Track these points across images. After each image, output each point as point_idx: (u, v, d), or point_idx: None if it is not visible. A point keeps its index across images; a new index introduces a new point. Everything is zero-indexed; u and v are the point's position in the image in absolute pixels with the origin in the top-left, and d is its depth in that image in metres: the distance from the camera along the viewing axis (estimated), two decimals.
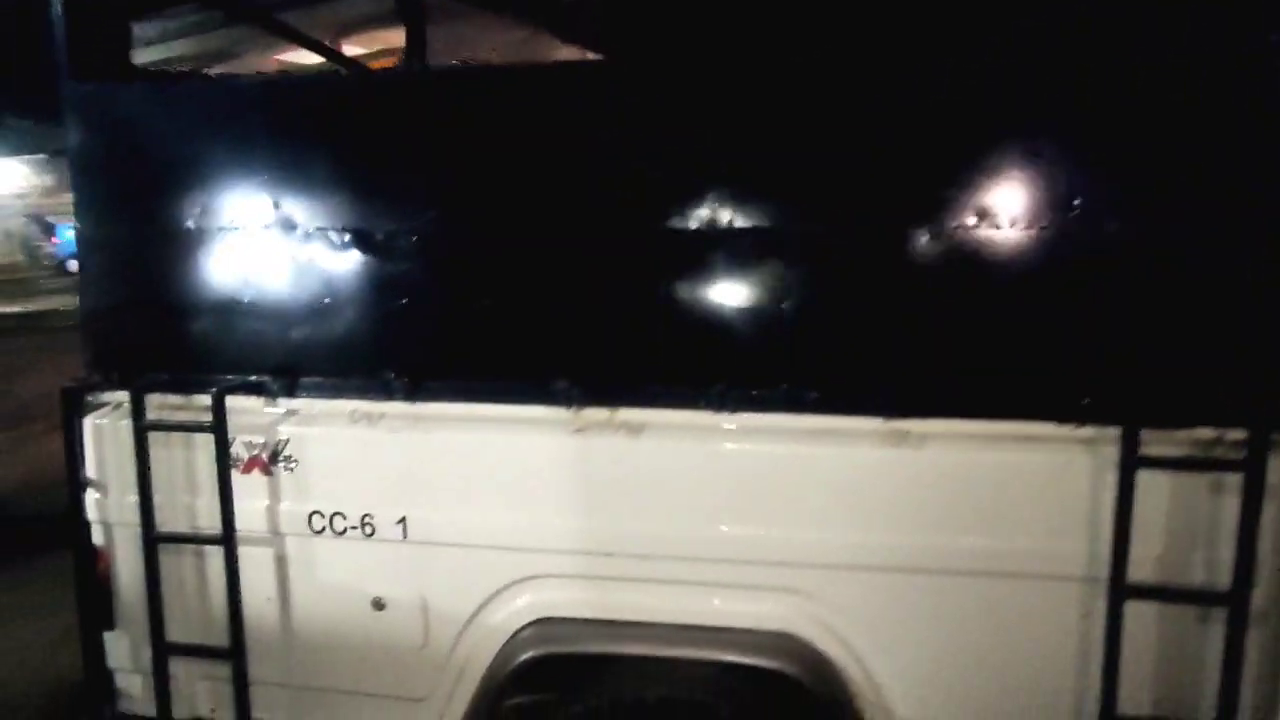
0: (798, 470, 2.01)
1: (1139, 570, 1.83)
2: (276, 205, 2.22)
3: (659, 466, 2.08)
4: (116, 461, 2.37)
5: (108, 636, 2.46)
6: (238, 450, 2.26)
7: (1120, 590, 1.83)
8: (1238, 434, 1.77)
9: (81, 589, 2.44)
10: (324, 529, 2.27)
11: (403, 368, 2.19)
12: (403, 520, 2.21)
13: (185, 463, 2.33)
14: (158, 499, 2.30)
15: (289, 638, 2.35)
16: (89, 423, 2.38)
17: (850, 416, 1.97)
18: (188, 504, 2.35)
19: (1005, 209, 1.85)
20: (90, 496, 2.41)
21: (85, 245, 2.36)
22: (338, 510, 2.25)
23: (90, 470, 2.40)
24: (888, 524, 1.98)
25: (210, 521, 2.31)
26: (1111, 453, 1.80)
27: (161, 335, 2.33)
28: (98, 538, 2.44)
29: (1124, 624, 1.84)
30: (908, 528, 1.97)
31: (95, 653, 2.46)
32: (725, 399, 2.02)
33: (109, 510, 2.40)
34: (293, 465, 2.27)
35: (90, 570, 2.44)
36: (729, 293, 2.03)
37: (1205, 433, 1.81)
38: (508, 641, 2.20)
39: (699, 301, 2.04)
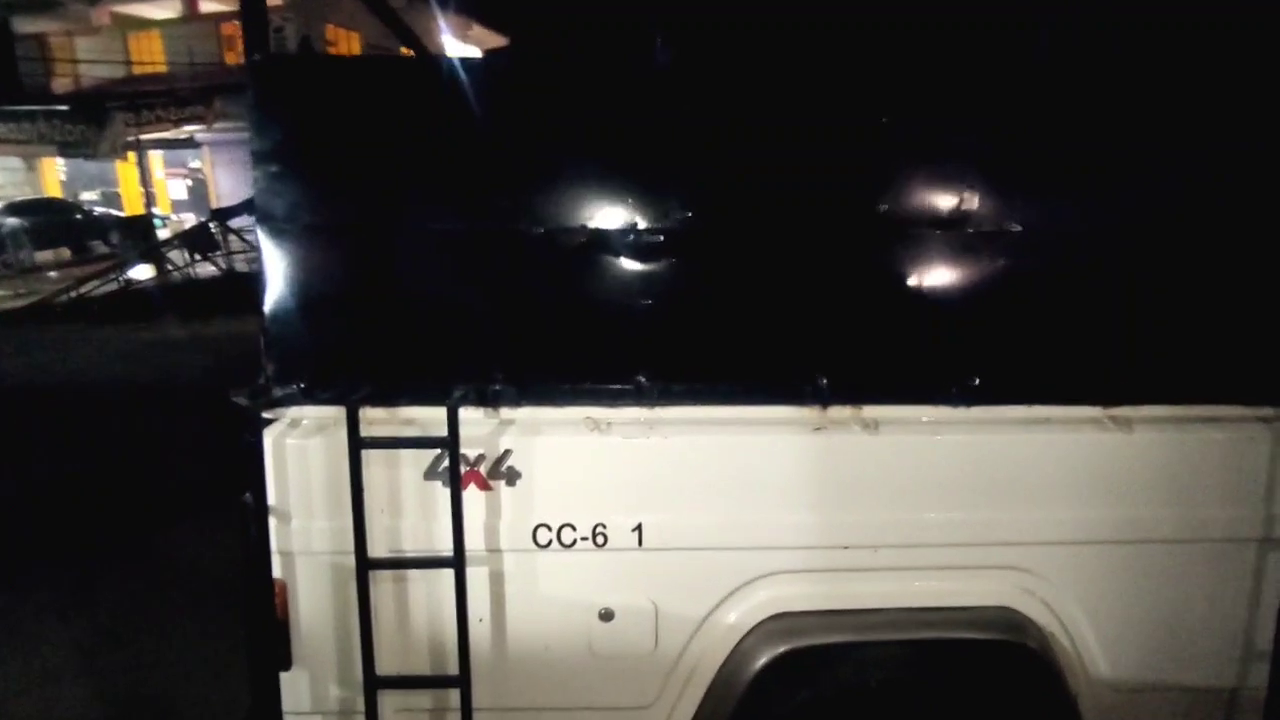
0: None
1: None
2: (507, 203, 2.19)
3: (893, 460, 2.25)
4: (303, 483, 2.23)
5: (284, 677, 2.29)
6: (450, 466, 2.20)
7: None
8: None
9: (258, 628, 2.25)
10: (550, 542, 2.25)
11: (641, 372, 2.22)
12: (638, 527, 2.24)
13: (387, 481, 2.24)
14: (341, 521, 2.18)
15: (507, 659, 2.30)
16: (273, 441, 2.22)
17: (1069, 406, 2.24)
18: (388, 526, 2.24)
19: None
20: (273, 525, 2.24)
21: (272, 244, 2.20)
22: (567, 522, 2.24)
23: (271, 494, 2.24)
24: (1098, 501, 2.26)
25: (415, 544, 2.23)
26: None
27: (366, 343, 2.23)
28: (276, 570, 2.27)
29: None
30: (1115, 503, 2.26)
31: (270, 695, 2.27)
32: (958, 396, 2.23)
33: (293, 538, 2.25)
34: (517, 478, 2.24)
35: (269, 607, 2.26)
36: (954, 296, 2.25)
37: None
38: (742, 639, 2.27)
39: (934, 304, 2.24)
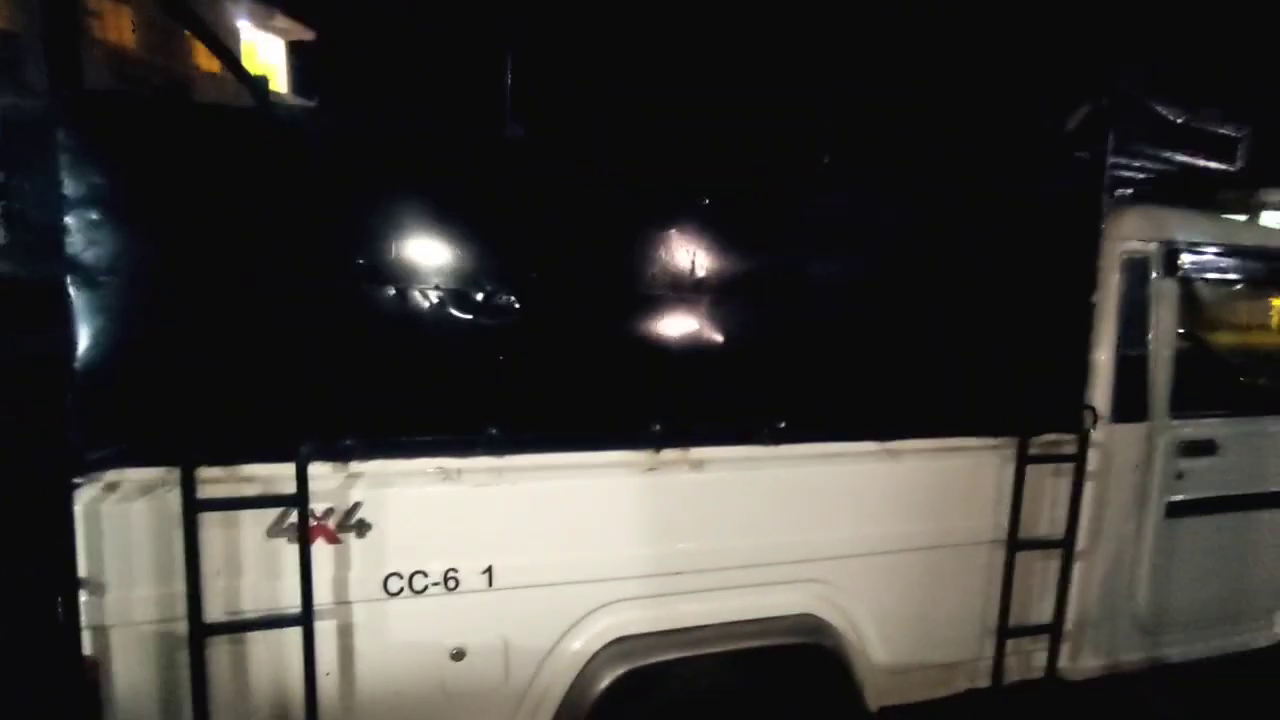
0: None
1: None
2: (353, 257, 2.18)
3: (716, 494, 2.54)
4: (122, 550, 2.08)
5: None
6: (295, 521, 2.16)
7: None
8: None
9: (71, 706, 2.07)
10: (401, 590, 2.29)
11: (490, 422, 2.32)
12: (489, 569, 2.35)
13: (224, 541, 2.16)
14: (169, 587, 2.09)
15: (356, 710, 2.29)
16: (85, 509, 2.05)
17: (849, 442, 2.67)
18: (225, 587, 2.16)
19: None
20: (84, 598, 2.07)
21: (87, 296, 2.01)
22: (419, 569, 2.29)
23: (82, 567, 2.07)
24: (878, 519, 2.71)
25: (257, 604, 2.17)
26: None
27: (199, 399, 2.10)
28: (86, 648, 2.09)
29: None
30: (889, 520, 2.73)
31: None
32: (769, 436, 2.56)
33: (108, 611, 2.09)
34: (367, 529, 2.25)
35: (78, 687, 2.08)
36: (763, 352, 2.59)
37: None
38: (587, 664, 2.46)
39: (748, 358, 2.56)
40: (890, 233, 2.65)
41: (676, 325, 2.46)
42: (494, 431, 2.31)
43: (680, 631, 2.54)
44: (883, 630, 2.78)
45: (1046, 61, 2.81)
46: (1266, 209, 3.50)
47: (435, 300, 2.23)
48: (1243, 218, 3.63)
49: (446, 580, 2.31)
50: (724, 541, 2.56)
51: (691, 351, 2.47)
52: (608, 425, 2.42)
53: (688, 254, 2.43)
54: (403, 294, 2.20)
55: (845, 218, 2.60)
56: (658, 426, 2.45)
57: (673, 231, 2.41)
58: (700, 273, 2.44)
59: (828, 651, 2.65)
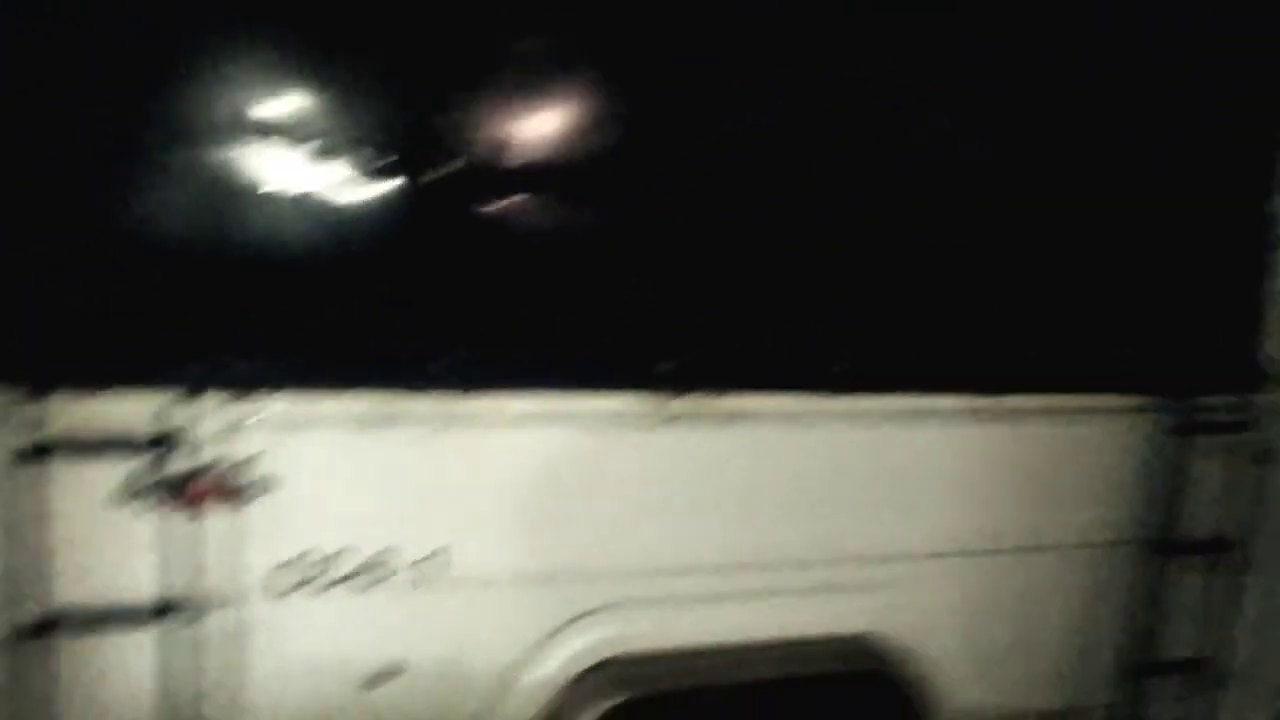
0: None
1: None
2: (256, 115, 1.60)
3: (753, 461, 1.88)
4: None
5: None
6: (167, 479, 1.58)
7: None
8: None
9: None
10: (314, 579, 1.68)
11: (443, 351, 1.71)
12: (435, 554, 1.73)
13: (69, 504, 1.57)
14: None
15: None
16: None
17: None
18: (63, 568, 1.58)
19: None
20: None
21: None
22: (341, 549, 1.69)
23: None
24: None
25: (109, 592, 1.58)
26: None
27: (44, 310, 1.55)
28: None
29: None
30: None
31: None
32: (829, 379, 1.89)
33: None
34: (267, 494, 1.65)
35: None
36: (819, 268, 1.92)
37: None
38: (569, 689, 1.81)
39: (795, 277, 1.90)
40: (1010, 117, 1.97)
41: (696, 224, 1.81)
42: (450, 361, 1.68)
43: (693, 653, 1.88)
44: (970, 659, 2.06)
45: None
46: None
47: (369, 174, 1.63)
48: None
49: (380, 567, 1.70)
50: (759, 529, 1.91)
51: (720, 261, 1.83)
52: (602, 358, 1.78)
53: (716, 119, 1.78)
54: (325, 161, 1.60)
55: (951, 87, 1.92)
56: (670, 363, 1.80)
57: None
58: (731, 152, 1.79)
59: (893, 684, 1.95)
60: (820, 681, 1.94)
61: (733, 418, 1.86)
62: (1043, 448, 2.06)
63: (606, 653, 1.83)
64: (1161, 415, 2.06)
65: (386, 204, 1.65)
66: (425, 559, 1.73)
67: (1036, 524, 2.08)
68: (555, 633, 1.82)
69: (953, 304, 1.96)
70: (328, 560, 1.68)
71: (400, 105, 1.65)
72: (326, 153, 1.61)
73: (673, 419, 1.83)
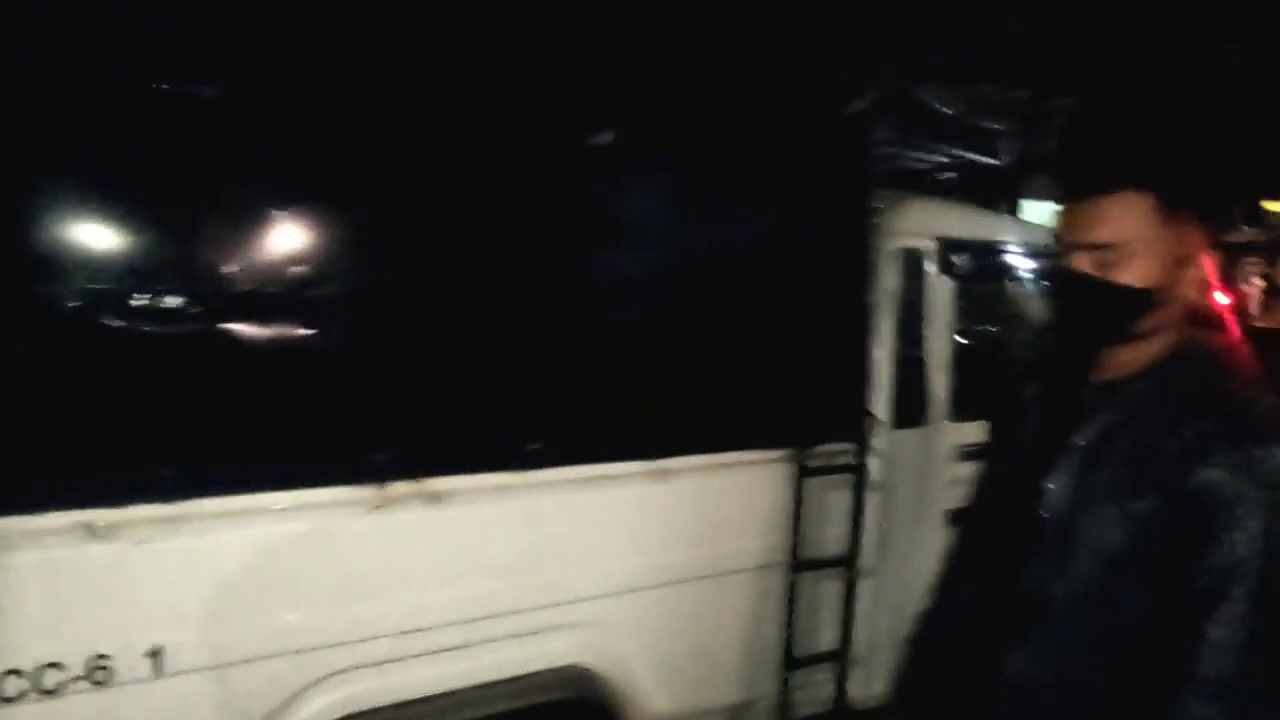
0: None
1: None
2: None
3: (459, 533, 2.15)
4: None
5: None
6: None
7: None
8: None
9: None
10: (24, 693, 1.74)
11: (161, 459, 1.82)
12: (156, 651, 1.84)
13: None
14: None
15: None
16: None
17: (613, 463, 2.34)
18: None
19: None
20: None
21: None
22: (52, 661, 1.75)
23: None
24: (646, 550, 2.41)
25: None
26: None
27: None
28: None
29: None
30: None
31: None
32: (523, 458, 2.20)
33: None
34: None
35: None
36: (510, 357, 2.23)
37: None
38: None
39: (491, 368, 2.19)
40: (657, 226, 2.36)
41: (401, 330, 2.05)
42: (165, 471, 1.80)
43: (421, 701, 2.11)
44: (660, 674, 2.47)
45: (812, 52, 2.62)
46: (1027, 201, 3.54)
47: (82, 304, 1.71)
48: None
49: (94, 672, 1.78)
50: (472, 588, 2.17)
51: (424, 363, 2.07)
52: (318, 457, 1.97)
53: (404, 242, 2.03)
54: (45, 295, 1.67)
55: (605, 204, 2.28)
56: (383, 455, 2.02)
57: (385, 211, 2.00)
58: (427, 266, 2.05)
59: (596, 705, 2.31)
60: (536, 711, 2.24)
61: (442, 496, 2.12)
62: (708, 495, 2.50)
63: (338, 713, 2.02)
64: (796, 462, 2.58)
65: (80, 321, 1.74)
66: (144, 655, 1.82)
67: (707, 557, 2.52)
68: (288, 704, 1.97)
69: (631, 385, 2.33)
70: (39, 671, 1.74)
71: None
72: None
73: (387, 503, 2.05)
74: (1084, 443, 1.35)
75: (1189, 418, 1.26)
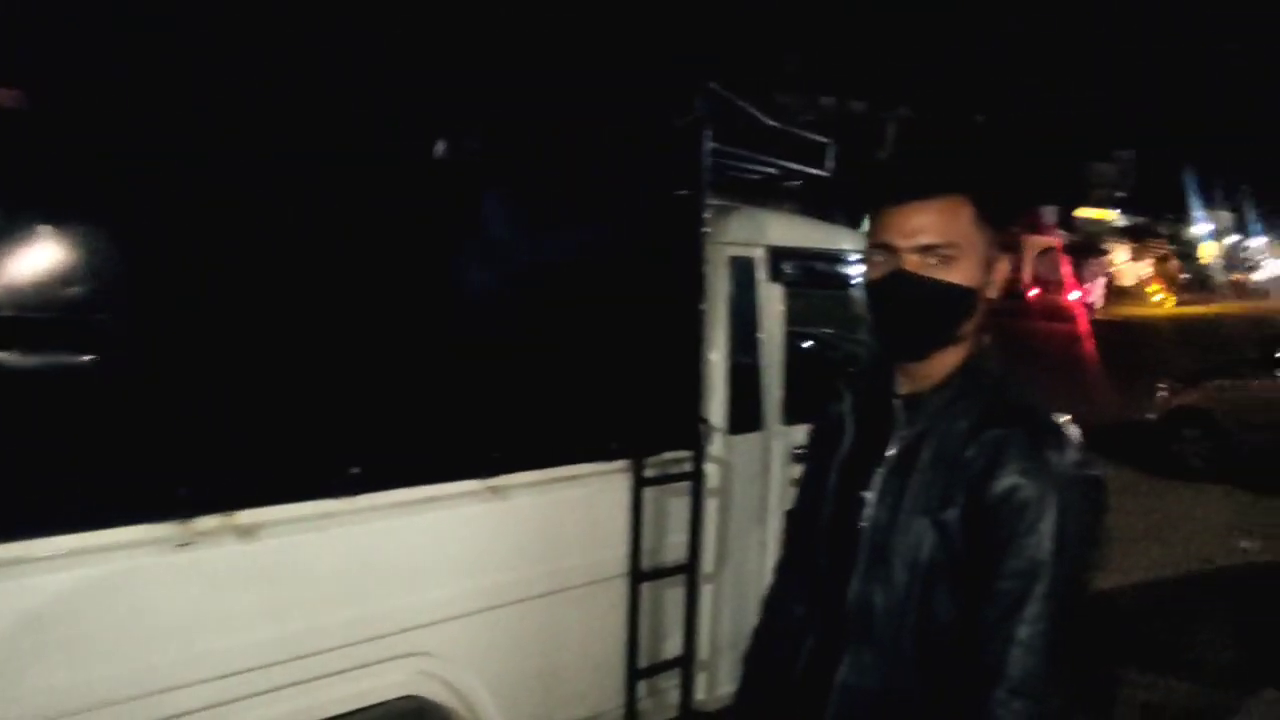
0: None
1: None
2: None
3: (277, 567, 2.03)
4: None
5: None
6: None
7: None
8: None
9: None
10: None
11: None
12: None
13: None
14: None
15: None
16: None
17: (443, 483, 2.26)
18: None
19: None
20: None
21: None
22: None
23: None
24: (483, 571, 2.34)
25: None
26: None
27: None
28: None
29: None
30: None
31: None
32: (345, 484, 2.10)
33: None
34: None
35: None
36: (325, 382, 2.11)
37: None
38: None
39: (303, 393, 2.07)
40: (484, 237, 2.31)
41: (203, 348, 1.90)
42: None
43: None
44: (502, 697, 2.40)
45: (640, 61, 2.64)
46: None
47: None
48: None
49: None
50: (296, 624, 2.04)
51: (229, 385, 1.93)
52: (112, 494, 1.80)
53: (203, 255, 1.88)
54: None
55: (424, 215, 2.20)
56: (185, 488, 1.87)
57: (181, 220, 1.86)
58: (229, 277, 1.91)
59: None
60: None
61: (255, 529, 1.98)
62: (544, 511, 2.46)
63: None
64: (633, 472, 2.58)
65: None
66: None
67: (547, 573, 2.48)
68: None
69: (459, 401, 2.25)
70: None
71: None
72: None
73: (194, 540, 1.90)
74: (893, 453, 1.39)
75: (988, 426, 1.32)
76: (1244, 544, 6.62)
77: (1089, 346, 16.88)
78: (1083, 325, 18.84)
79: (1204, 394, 8.74)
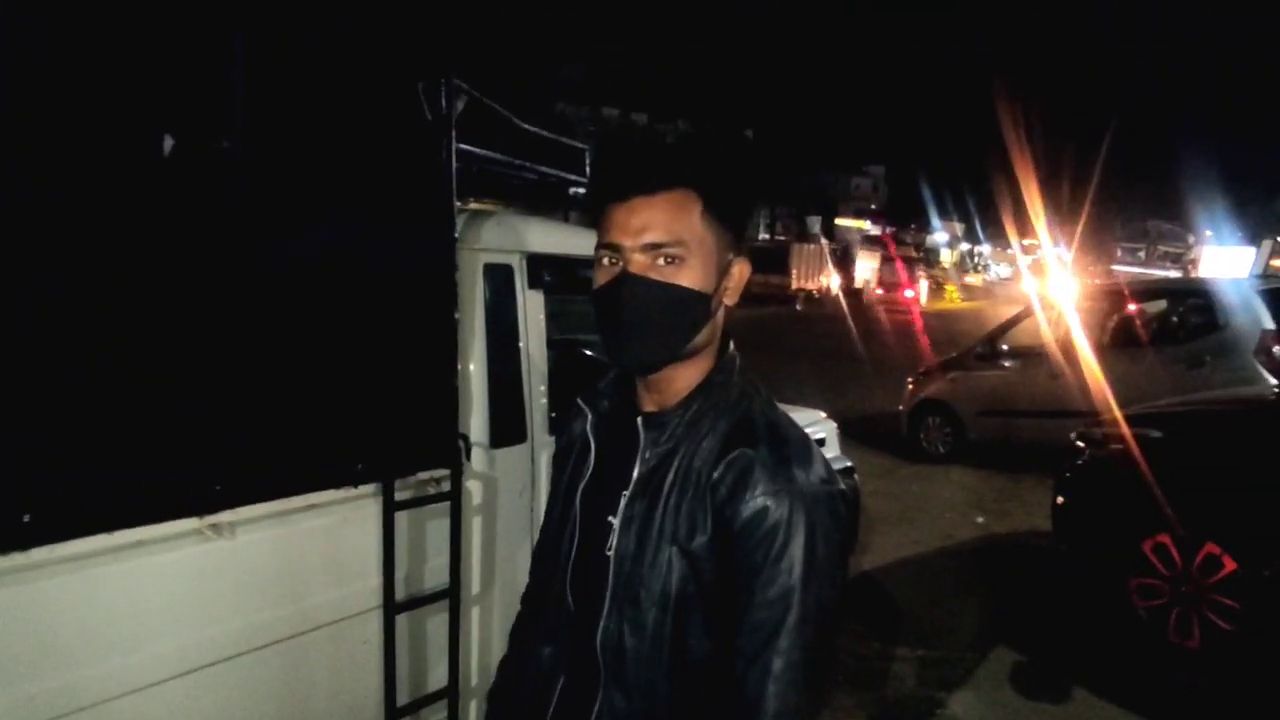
0: None
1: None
2: None
3: None
4: None
5: None
6: None
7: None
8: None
9: None
10: None
11: None
12: None
13: None
14: None
15: None
16: None
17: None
18: None
19: None
20: None
21: None
22: None
23: None
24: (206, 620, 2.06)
25: None
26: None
27: None
28: None
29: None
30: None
31: None
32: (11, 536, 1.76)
33: None
34: None
35: None
36: None
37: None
38: None
39: None
40: (211, 244, 2.01)
41: None
42: None
43: None
44: None
45: (379, 54, 2.45)
46: None
47: None
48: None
49: None
50: None
51: None
52: None
53: None
54: None
55: (139, 214, 1.89)
56: None
57: None
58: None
59: None
60: None
61: None
62: (281, 545, 2.20)
63: None
64: (386, 496, 2.37)
65: None
66: None
67: (289, 615, 2.23)
68: None
69: (172, 425, 1.95)
70: None
71: None
72: None
73: None
74: (637, 476, 1.30)
75: (734, 445, 1.23)
76: (979, 518, 7.39)
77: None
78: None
79: (942, 385, 9.72)
